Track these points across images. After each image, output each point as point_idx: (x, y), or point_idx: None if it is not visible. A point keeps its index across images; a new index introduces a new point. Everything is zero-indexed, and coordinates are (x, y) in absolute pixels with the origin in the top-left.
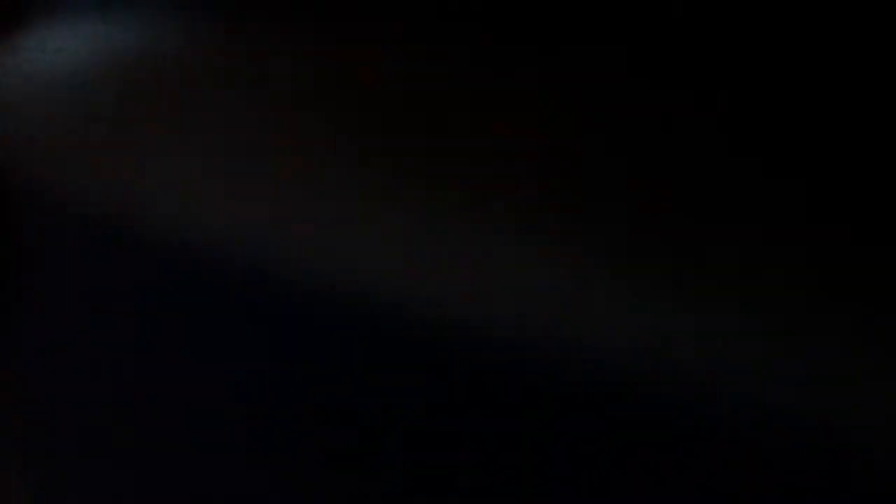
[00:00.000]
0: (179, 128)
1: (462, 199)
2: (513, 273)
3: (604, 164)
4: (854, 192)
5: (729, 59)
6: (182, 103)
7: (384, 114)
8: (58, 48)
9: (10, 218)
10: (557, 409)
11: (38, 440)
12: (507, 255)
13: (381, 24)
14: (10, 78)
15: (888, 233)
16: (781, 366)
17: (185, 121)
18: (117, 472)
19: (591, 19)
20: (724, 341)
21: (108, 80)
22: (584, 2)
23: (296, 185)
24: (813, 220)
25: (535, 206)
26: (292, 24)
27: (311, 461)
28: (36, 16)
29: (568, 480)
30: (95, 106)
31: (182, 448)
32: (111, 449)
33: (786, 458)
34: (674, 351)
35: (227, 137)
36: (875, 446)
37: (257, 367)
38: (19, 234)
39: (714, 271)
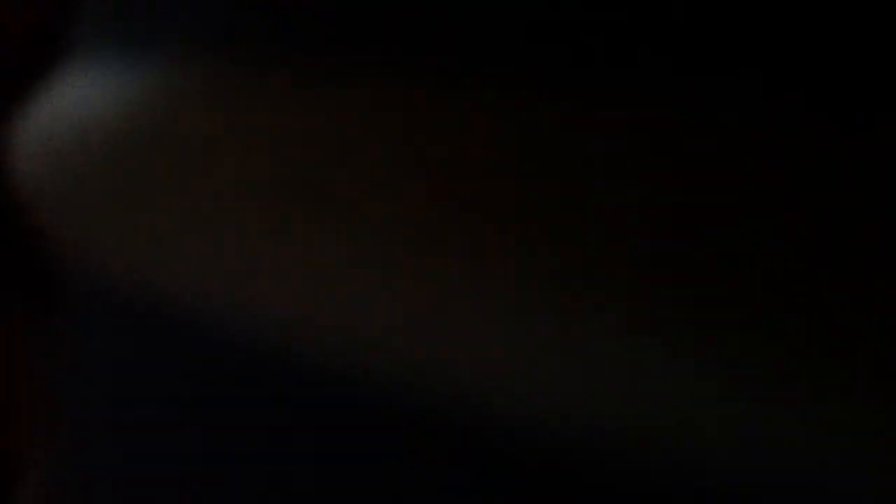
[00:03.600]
0: (217, 194)
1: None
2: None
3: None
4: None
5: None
6: (220, 164)
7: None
8: (81, 104)
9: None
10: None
11: None
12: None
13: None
14: (37, 142)
15: None
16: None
17: (221, 186)
18: None
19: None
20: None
21: (140, 139)
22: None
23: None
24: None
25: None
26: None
27: None
28: (55, 71)
29: None
30: (127, 170)
31: None
32: None
33: None
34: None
35: (270, 203)
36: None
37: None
38: (58, 309)
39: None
